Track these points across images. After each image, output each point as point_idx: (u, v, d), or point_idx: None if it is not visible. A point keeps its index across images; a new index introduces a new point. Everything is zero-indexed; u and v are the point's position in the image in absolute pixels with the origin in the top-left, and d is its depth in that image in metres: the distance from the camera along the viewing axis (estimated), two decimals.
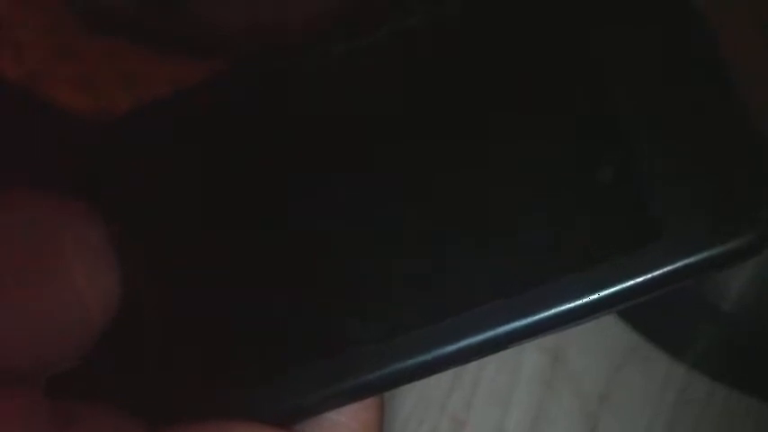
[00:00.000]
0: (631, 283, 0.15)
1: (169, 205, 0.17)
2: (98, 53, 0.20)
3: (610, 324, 0.26)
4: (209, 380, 0.16)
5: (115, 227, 0.15)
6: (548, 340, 0.26)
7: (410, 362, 0.15)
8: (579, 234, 0.15)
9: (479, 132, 0.16)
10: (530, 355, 0.26)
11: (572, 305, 0.15)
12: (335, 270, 0.16)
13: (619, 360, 0.26)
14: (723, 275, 0.25)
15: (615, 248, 0.15)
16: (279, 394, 0.16)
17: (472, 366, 0.26)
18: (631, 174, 0.15)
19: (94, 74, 0.20)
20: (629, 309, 0.16)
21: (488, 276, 0.16)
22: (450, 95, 0.17)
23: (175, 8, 0.20)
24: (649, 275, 0.15)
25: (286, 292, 0.16)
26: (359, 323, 0.16)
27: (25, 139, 0.19)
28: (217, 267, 0.17)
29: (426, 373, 0.15)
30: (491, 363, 0.26)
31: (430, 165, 0.16)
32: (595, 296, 0.15)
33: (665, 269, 0.15)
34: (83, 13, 0.20)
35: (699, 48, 0.16)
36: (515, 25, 0.17)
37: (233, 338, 0.16)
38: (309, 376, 0.16)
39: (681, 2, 0.16)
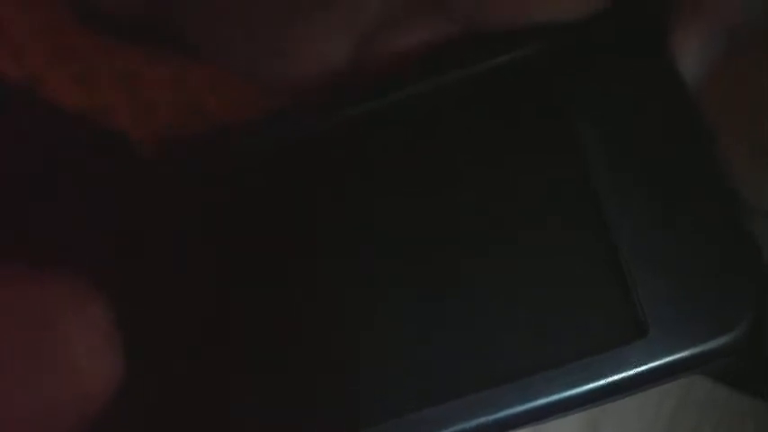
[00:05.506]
0: (613, 379, 0.15)
1: (183, 276, 0.17)
2: (98, 53, 0.20)
3: None
4: None
5: (121, 304, 0.15)
6: None
7: None
8: (569, 330, 0.16)
9: (478, 231, 0.17)
10: None
11: (554, 399, 0.15)
12: (355, 342, 0.17)
13: None
14: None
15: (601, 345, 0.16)
16: None
17: None
18: (620, 272, 0.16)
19: (94, 74, 0.20)
20: None
21: (480, 365, 0.16)
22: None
23: (175, 8, 0.20)
24: (633, 372, 0.15)
25: (301, 363, 0.17)
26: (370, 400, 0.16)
27: (25, 140, 0.19)
28: (221, 345, 0.17)
29: None
30: None
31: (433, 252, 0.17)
32: (579, 390, 0.15)
33: (649, 366, 0.15)
34: (83, 13, 0.20)
35: (690, 145, 0.16)
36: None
37: (235, 420, 0.16)
38: None
39: (675, 89, 0.16)
